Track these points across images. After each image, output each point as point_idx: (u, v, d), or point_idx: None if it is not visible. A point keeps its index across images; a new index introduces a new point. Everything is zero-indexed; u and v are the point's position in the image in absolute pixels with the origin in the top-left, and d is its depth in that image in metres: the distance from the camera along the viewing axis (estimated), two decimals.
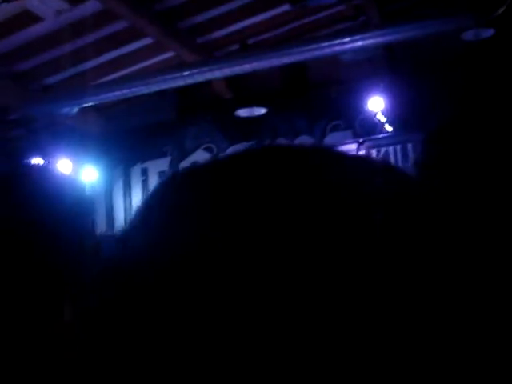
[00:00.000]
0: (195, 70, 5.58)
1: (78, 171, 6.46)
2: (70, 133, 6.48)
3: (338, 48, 5.09)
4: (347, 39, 5.01)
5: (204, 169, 0.51)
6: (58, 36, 5.42)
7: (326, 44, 5.10)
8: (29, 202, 1.10)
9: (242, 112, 6.09)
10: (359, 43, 4.99)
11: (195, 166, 0.52)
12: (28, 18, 5.17)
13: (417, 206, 0.45)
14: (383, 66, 5.65)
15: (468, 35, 4.88)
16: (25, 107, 6.08)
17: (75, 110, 6.03)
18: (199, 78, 5.62)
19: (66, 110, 6.01)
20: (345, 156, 0.49)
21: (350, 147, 5.49)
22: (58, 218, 1.10)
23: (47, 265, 1.06)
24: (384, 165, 0.50)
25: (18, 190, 1.14)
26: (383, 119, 5.68)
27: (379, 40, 5.00)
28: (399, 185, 0.46)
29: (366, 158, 0.53)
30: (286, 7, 5.30)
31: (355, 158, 0.51)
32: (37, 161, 6.17)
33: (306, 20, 5.76)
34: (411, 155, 5.70)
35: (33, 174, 1.22)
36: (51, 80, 6.18)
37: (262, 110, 6.08)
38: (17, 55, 5.71)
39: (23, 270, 1.06)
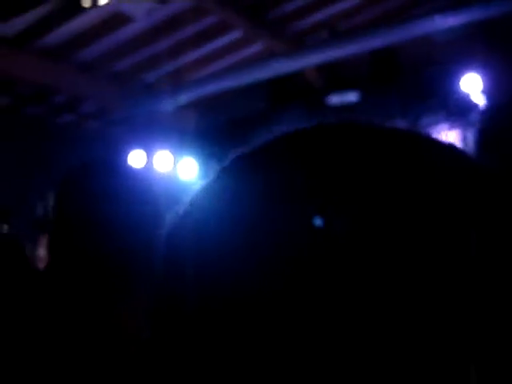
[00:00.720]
0: (286, 60, 5.59)
1: (176, 164, 6.60)
2: (168, 128, 6.63)
3: (430, 27, 4.98)
4: (440, 17, 4.90)
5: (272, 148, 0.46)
6: (151, 35, 5.56)
7: (418, 24, 5.00)
8: (104, 193, 1.12)
9: (334, 99, 6.07)
10: (453, 21, 4.87)
11: (256, 148, 0.47)
12: (120, 19, 5.32)
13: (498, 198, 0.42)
14: (478, 45, 5.50)
15: None
16: (125, 106, 6.27)
17: (172, 106, 6.16)
18: (289, 68, 5.64)
19: (163, 106, 6.15)
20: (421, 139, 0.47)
21: (443, 127, 5.39)
22: (128, 209, 1.11)
23: (116, 255, 1.07)
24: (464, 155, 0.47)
25: (94, 181, 1.15)
26: (478, 99, 5.54)
27: (473, 16, 4.87)
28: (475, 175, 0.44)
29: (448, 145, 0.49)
30: None
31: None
32: (138, 154, 6.34)
33: (396, 1, 5.68)
34: None
35: (105, 166, 1.23)
36: (149, 78, 6.34)
37: (354, 96, 6.04)
38: (114, 56, 5.89)
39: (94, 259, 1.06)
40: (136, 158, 6.40)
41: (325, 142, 0.45)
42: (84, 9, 4.97)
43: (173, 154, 6.55)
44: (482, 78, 5.42)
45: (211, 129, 6.73)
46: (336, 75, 6.05)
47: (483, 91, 5.48)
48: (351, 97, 6.03)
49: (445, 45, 5.53)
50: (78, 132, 6.62)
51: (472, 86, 5.48)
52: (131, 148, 6.37)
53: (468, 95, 5.40)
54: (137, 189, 1.17)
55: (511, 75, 5.28)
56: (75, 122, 6.62)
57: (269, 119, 6.90)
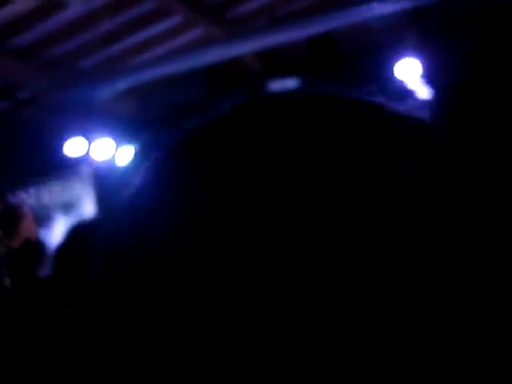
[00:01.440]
0: (225, 46, 5.58)
1: (116, 152, 6.54)
2: (108, 114, 6.56)
3: (367, 14, 5.04)
4: (376, 4, 4.96)
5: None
6: (86, 20, 5.46)
7: (355, 10, 5.05)
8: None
9: (274, 85, 6.09)
10: (389, 7, 4.93)
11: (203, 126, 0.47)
12: (56, 4, 5.22)
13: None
14: (414, 31, 5.58)
15: None
16: (61, 92, 6.16)
17: (109, 92, 6.09)
18: (229, 54, 5.63)
19: (100, 93, 6.07)
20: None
21: None
22: None
23: None
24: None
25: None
26: (416, 84, 5.63)
27: (408, 3, 4.94)
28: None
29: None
30: None
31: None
32: (78, 140, 6.27)
33: None
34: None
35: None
36: (84, 64, 6.24)
37: (294, 82, 6.07)
38: (49, 42, 5.78)
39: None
40: (75, 146, 6.32)
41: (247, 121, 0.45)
42: None
43: (113, 140, 6.48)
44: (418, 63, 5.51)
45: (152, 115, 6.67)
46: (276, 61, 6.06)
47: (420, 77, 5.58)
48: (291, 83, 6.05)
49: (382, 31, 5.60)
50: (14, 119, 6.49)
51: (409, 71, 5.57)
52: (70, 135, 6.28)
53: (404, 81, 5.49)
54: None
55: (445, 61, 5.38)
56: (11, 109, 6.48)
57: (209, 105, 6.87)
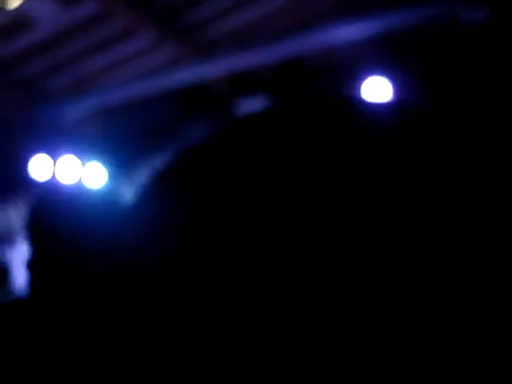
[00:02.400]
0: (194, 68, 5.60)
1: (82, 171, 6.47)
2: (74, 133, 6.50)
3: (334, 37, 5.10)
4: (343, 27, 5.02)
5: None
6: (55, 40, 5.43)
7: (323, 33, 5.11)
8: None
9: (243, 107, 6.10)
10: (354, 31, 5.00)
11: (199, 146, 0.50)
12: (24, 23, 5.18)
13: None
14: (383, 55, 5.65)
15: (465, 17, 4.89)
16: (26, 114, 6.10)
17: (77, 114, 6.05)
18: (199, 76, 5.64)
19: (68, 113, 6.03)
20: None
21: None
22: None
23: None
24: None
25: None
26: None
27: (375, 26, 5.01)
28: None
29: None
30: (280, 1, 5.31)
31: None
32: (41, 160, 6.18)
33: (304, 12, 5.77)
34: None
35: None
36: (52, 85, 6.19)
37: (263, 103, 6.09)
38: (15, 63, 5.73)
39: None
40: (39, 165, 6.23)
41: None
42: None
43: (79, 159, 6.42)
44: (385, 84, 5.57)
45: (119, 136, 6.63)
46: (244, 83, 6.08)
47: (382, 97, 5.64)
48: (260, 104, 6.07)
49: (351, 54, 5.66)
50: None
51: (375, 93, 5.63)
52: (33, 154, 6.19)
53: (374, 100, 5.53)
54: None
55: (414, 85, 5.45)
56: None
57: (178, 127, 6.87)
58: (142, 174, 6.86)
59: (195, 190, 0.46)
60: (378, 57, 5.64)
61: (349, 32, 5.07)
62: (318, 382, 0.38)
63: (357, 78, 5.63)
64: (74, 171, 6.39)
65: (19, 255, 5.92)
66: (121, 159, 6.71)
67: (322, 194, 0.41)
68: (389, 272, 0.40)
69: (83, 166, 6.42)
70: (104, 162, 6.56)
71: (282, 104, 0.50)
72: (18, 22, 5.13)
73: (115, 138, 6.72)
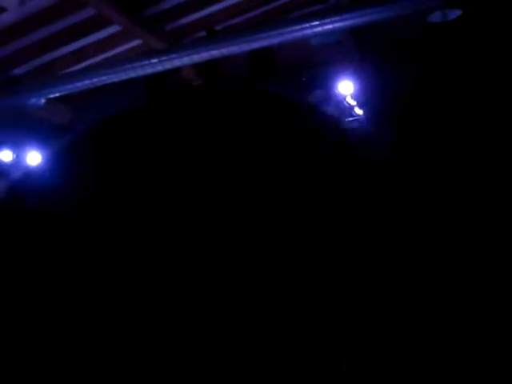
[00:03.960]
0: (163, 57, 5.52)
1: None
2: (39, 123, 6.41)
3: (307, 31, 5.07)
4: (317, 22, 5.00)
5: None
6: (23, 26, 5.34)
7: (296, 28, 5.08)
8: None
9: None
10: (329, 26, 4.98)
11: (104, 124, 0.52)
12: None
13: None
14: (352, 49, 5.66)
15: (435, 17, 4.91)
16: None
17: (43, 100, 5.94)
18: (167, 65, 5.57)
19: (33, 101, 5.92)
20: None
21: None
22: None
23: None
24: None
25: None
26: (353, 102, 5.70)
27: (348, 23, 5.00)
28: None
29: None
30: None
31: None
32: (5, 152, 6.11)
33: (275, 4, 5.75)
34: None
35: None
36: (18, 71, 6.09)
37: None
38: None
39: None
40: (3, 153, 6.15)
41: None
42: None
43: (43, 149, 6.33)
44: (354, 82, 5.58)
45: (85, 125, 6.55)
46: (214, 75, 6.04)
47: (355, 95, 5.65)
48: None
49: (321, 48, 5.65)
50: None
51: (346, 89, 5.64)
52: None
53: (343, 99, 5.55)
54: None
55: (380, 80, 5.48)
56: None
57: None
58: None
59: (97, 156, 0.46)
60: (350, 52, 5.65)
61: (321, 27, 5.05)
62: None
63: (328, 74, 5.63)
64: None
65: None
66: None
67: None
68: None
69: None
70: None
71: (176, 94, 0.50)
72: None
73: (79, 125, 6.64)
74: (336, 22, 4.93)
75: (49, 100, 6.05)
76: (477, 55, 4.89)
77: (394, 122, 4.83)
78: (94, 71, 5.82)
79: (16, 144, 6.17)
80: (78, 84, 5.79)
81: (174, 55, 5.48)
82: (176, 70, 5.95)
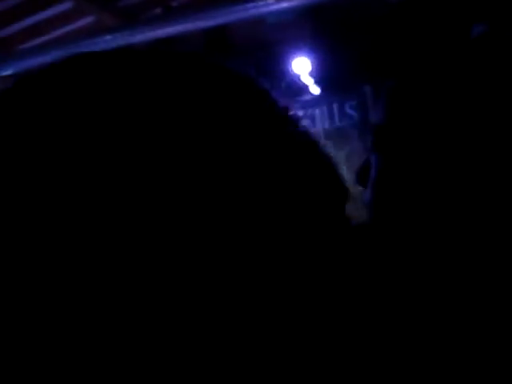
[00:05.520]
0: (117, 34, 5.45)
1: None
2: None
3: (263, 9, 5.03)
4: (272, 0, 4.96)
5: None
6: None
7: (251, 5, 5.04)
8: None
9: None
10: (285, 4, 4.95)
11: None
12: None
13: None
14: (308, 28, 5.63)
15: None
16: None
17: None
18: (121, 42, 5.49)
19: None
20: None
21: None
22: None
23: None
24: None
25: None
26: (309, 81, 5.68)
27: (304, 1, 4.97)
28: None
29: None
30: None
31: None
32: None
33: None
34: (336, 116, 5.73)
35: None
36: None
37: None
38: None
39: None
40: None
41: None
42: None
43: None
44: (311, 60, 5.57)
45: None
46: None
47: (311, 74, 5.63)
48: None
49: (276, 26, 5.62)
50: None
51: (302, 68, 5.62)
52: None
53: (299, 77, 5.53)
54: None
55: (336, 58, 5.46)
56: None
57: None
58: None
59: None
60: (304, 33, 5.62)
61: (278, 4, 5.01)
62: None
63: (283, 53, 5.60)
64: None
65: None
66: None
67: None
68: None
69: None
70: None
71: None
72: None
73: None
74: None
75: (2, 78, 5.94)
76: (434, 33, 4.90)
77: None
78: (48, 48, 5.73)
79: None
80: (31, 61, 5.69)
81: (127, 32, 5.41)
82: (131, 47, 5.87)
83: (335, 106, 5.59)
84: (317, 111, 5.70)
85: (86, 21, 5.91)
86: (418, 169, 0.79)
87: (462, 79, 0.83)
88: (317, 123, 5.60)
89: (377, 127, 0.87)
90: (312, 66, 5.57)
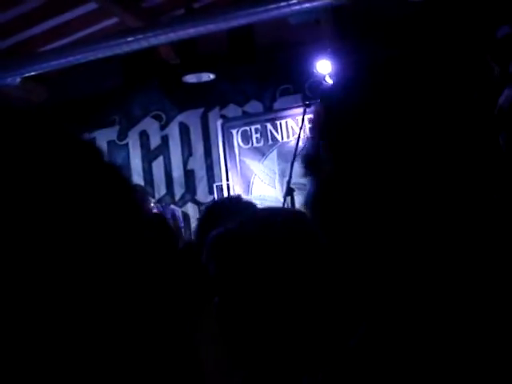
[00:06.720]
0: (140, 36, 5.45)
1: None
2: (15, 102, 6.31)
3: (285, 10, 5.02)
4: (295, 1, 4.94)
5: None
6: None
7: (273, 6, 5.03)
8: None
9: (190, 78, 6.00)
10: (307, 5, 4.93)
11: None
12: None
13: None
14: (331, 29, 5.60)
15: None
16: None
17: (18, 79, 5.86)
18: (144, 44, 5.50)
19: (8, 80, 5.84)
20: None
21: (298, 111, 5.46)
22: None
23: None
24: None
25: None
26: (330, 82, 5.64)
27: (327, 1, 4.95)
28: None
29: None
30: None
31: None
32: None
33: None
34: None
35: None
36: None
37: (210, 76, 5.99)
38: None
39: None
40: None
41: None
42: None
43: None
44: (332, 61, 5.52)
45: (62, 104, 6.47)
46: (192, 53, 5.96)
47: (333, 75, 5.59)
48: (208, 76, 5.98)
49: (299, 27, 5.59)
50: None
51: (325, 69, 5.58)
52: None
53: (323, 78, 5.48)
54: None
55: (359, 59, 5.41)
56: None
57: (123, 96, 6.73)
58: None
59: None
60: (326, 34, 5.58)
61: (300, 5, 4.99)
62: None
63: (307, 54, 5.56)
64: None
65: None
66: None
67: None
68: None
69: None
70: None
71: None
72: None
73: (57, 108, 6.56)
74: (314, 0, 4.88)
75: (25, 79, 5.97)
76: (457, 34, 4.85)
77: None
78: (71, 50, 5.75)
79: None
80: (54, 63, 5.72)
81: (150, 33, 5.41)
82: (154, 48, 5.88)
83: None
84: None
85: (109, 22, 5.92)
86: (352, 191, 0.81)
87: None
88: None
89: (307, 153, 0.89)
90: (333, 67, 5.53)
